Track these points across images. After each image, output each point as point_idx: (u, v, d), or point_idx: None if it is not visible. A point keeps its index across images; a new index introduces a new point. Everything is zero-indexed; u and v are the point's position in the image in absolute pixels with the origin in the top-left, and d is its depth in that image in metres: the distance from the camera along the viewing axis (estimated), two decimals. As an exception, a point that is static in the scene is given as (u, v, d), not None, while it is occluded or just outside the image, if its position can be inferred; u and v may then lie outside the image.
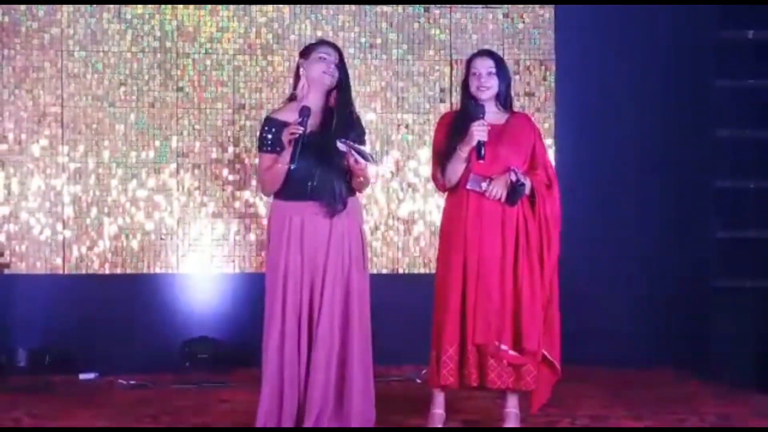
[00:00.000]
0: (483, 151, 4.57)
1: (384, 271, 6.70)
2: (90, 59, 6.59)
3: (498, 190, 4.62)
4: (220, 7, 6.65)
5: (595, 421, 5.04)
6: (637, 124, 6.71)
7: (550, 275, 4.70)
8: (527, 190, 4.65)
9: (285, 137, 4.37)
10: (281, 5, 6.68)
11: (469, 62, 4.77)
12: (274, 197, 4.56)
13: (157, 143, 6.62)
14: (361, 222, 4.64)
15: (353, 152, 4.36)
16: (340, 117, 4.48)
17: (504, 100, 4.77)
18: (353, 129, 4.51)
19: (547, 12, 6.79)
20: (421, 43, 6.77)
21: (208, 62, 6.66)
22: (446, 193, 4.82)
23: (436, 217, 6.76)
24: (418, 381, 6.21)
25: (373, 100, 6.75)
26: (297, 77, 4.57)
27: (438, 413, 4.83)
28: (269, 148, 4.49)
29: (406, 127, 6.77)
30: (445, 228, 4.78)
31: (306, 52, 4.57)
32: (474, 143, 4.58)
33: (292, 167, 4.37)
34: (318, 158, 4.43)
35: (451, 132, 4.70)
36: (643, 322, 6.58)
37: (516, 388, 4.69)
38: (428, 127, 6.77)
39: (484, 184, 4.63)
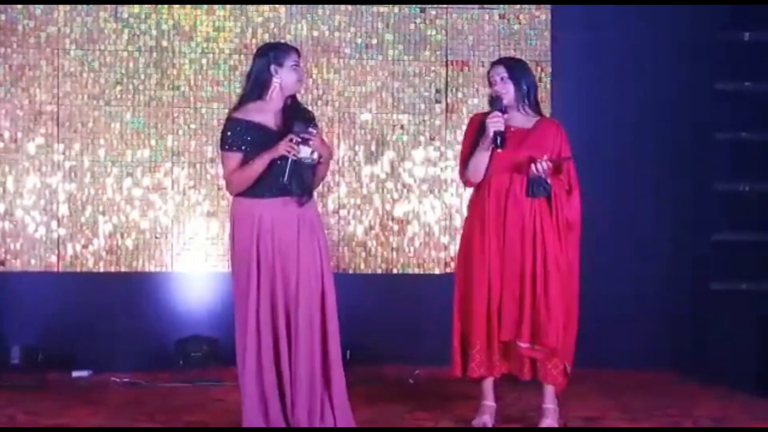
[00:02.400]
0: (500, 141, 4.70)
1: (378, 272, 6.70)
2: (86, 58, 6.59)
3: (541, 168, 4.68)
4: (216, 6, 6.65)
5: (588, 423, 5.04)
6: (633, 125, 6.71)
7: (566, 278, 4.76)
8: (547, 191, 4.72)
9: (281, 148, 4.38)
10: (277, 5, 6.68)
11: (489, 71, 4.94)
12: (240, 195, 4.55)
13: (153, 142, 6.62)
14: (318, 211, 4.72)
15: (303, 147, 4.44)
16: (301, 113, 4.58)
17: (531, 102, 4.85)
18: (313, 124, 4.57)
19: (543, 13, 6.79)
20: (417, 43, 6.77)
21: (204, 61, 6.66)
22: (471, 191, 4.95)
23: (431, 218, 6.77)
24: (411, 381, 6.21)
25: (369, 100, 6.75)
26: (258, 75, 4.54)
27: (488, 405, 4.92)
28: (236, 148, 4.47)
29: (402, 127, 6.77)
30: (468, 225, 4.92)
31: (278, 58, 4.55)
32: (491, 134, 4.70)
33: (281, 181, 4.42)
34: (285, 158, 4.44)
35: (477, 131, 4.83)
36: (642, 325, 6.58)
37: (545, 381, 4.79)
38: (423, 127, 6.77)
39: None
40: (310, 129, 4.45)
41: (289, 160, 4.39)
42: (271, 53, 4.58)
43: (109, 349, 6.37)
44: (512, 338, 4.75)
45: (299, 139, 4.40)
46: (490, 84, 4.88)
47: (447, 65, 6.79)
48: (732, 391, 5.92)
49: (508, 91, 4.81)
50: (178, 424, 4.94)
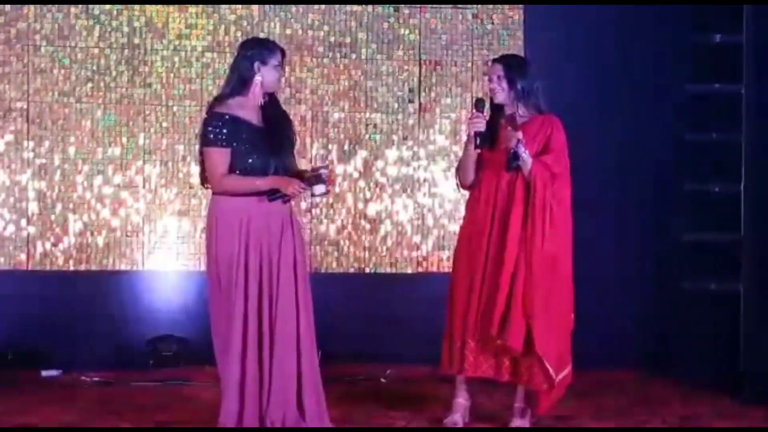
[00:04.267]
0: (478, 141, 4.79)
1: (351, 271, 6.70)
2: (57, 54, 6.54)
3: (503, 137, 4.74)
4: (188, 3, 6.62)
5: (558, 422, 5.07)
6: (604, 126, 6.74)
7: (547, 276, 4.75)
8: (524, 164, 4.72)
9: (291, 190, 4.46)
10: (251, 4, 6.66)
11: (488, 67, 5.07)
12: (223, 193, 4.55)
13: (124, 140, 6.58)
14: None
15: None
16: (280, 112, 4.65)
17: (528, 101, 4.86)
18: (291, 124, 4.68)
19: (516, 13, 6.81)
20: (390, 42, 6.77)
21: (176, 59, 6.63)
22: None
23: (404, 217, 6.77)
24: (383, 380, 6.21)
25: (342, 99, 6.74)
26: (242, 70, 4.55)
27: (460, 402, 4.96)
28: (224, 143, 4.47)
29: (375, 126, 6.77)
30: (462, 225, 5.02)
31: (263, 56, 4.56)
32: (471, 134, 4.81)
33: (269, 199, 4.51)
34: (269, 152, 4.50)
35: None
36: (611, 324, 6.61)
37: (525, 384, 4.81)
38: (396, 126, 6.77)
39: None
40: (324, 170, 4.55)
41: (284, 195, 4.50)
42: (257, 50, 4.60)
43: (79, 348, 6.33)
44: (492, 337, 4.74)
45: (309, 189, 4.52)
46: (489, 81, 4.94)
47: (420, 64, 6.79)
48: (700, 390, 5.96)
49: (503, 90, 4.86)
50: (148, 423, 4.92)
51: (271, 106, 4.62)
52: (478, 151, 4.81)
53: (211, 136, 4.48)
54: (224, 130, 4.46)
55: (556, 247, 4.77)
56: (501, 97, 4.87)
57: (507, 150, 4.73)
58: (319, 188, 4.52)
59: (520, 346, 4.72)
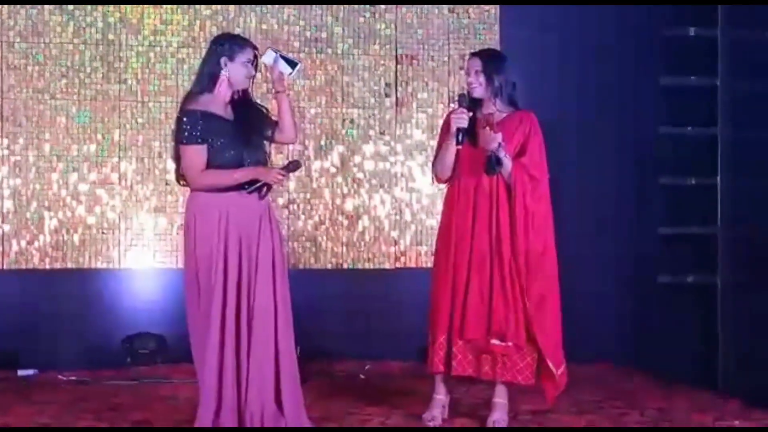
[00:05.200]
0: (461, 138, 4.76)
1: (329, 267, 6.68)
2: (31, 51, 6.49)
3: (481, 139, 4.69)
4: (163, -1, 6.58)
5: (536, 416, 5.08)
6: (580, 120, 6.75)
7: (532, 265, 4.76)
8: (503, 167, 4.72)
9: (271, 179, 4.46)
10: (226, -2, 6.63)
11: (466, 62, 4.99)
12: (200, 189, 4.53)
13: (99, 136, 6.54)
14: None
15: (281, 60, 4.60)
16: (251, 106, 4.62)
17: (504, 97, 4.85)
18: (267, 117, 4.67)
19: (492, 8, 6.81)
20: (366, 37, 6.75)
21: (151, 55, 6.59)
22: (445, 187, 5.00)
23: (381, 212, 6.76)
24: (362, 376, 6.21)
25: (318, 94, 6.72)
26: (208, 67, 4.52)
27: (439, 398, 4.95)
28: (200, 140, 4.44)
29: (351, 121, 6.76)
30: (441, 221, 4.98)
31: (230, 52, 4.52)
32: (453, 130, 4.77)
33: (246, 189, 4.49)
34: (243, 146, 4.50)
35: (447, 128, 4.88)
36: (588, 318, 6.62)
37: (502, 379, 4.81)
38: (373, 121, 6.76)
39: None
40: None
41: (263, 183, 4.47)
42: (226, 45, 4.55)
43: (55, 346, 6.30)
44: (477, 336, 4.75)
45: (288, 176, 4.55)
46: (467, 75, 4.92)
47: (396, 59, 6.78)
48: (677, 383, 5.98)
49: (480, 84, 4.85)
50: (124, 422, 4.90)
51: (241, 100, 4.59)
52: (460, 147, 4.78)
53: (186, 133, 4.45)
54: (198, 127, 4.43)
55: (542, 246, 4.80)
56: (478, 91, 4.86)
57: (486, 153, 4.71)
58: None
59: (523, 343, 4.75)
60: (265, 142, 4.64)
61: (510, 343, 4.76)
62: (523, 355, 4.79)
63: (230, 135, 4.48)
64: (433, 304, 4.90)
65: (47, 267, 6.45)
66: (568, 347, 6.53)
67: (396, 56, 6.79)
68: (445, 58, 6.81)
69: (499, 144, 4.69)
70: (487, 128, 4.69)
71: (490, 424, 4.83)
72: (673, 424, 4.94)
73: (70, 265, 6.47)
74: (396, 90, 6.77)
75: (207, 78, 4.52)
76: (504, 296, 4.76)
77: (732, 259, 6.74)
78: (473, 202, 4.81)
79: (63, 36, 6.51)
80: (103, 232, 6.50)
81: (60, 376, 6.03)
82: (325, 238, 6.71)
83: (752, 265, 6.57)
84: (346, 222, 6.73)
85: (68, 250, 6.48)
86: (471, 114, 4.79)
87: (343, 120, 6.76)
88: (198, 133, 4.44)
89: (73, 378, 6.01)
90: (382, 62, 6.78)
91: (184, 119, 4.46)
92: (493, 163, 4.70)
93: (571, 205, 6.62)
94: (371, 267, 6.73)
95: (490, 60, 4.89)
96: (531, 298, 4.76)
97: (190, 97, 4.53)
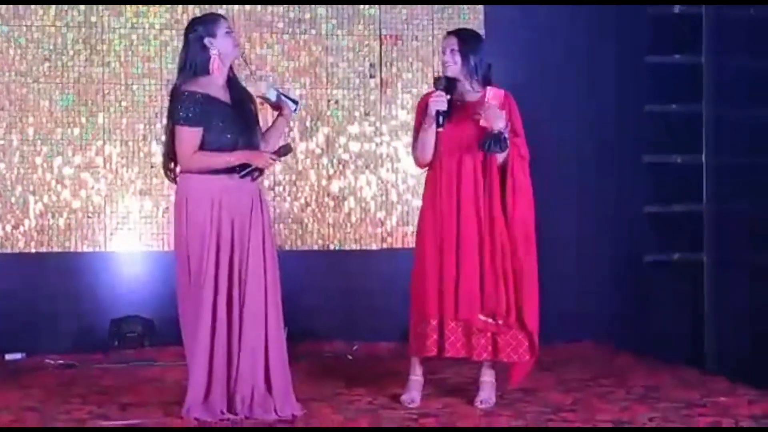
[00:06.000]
0: (441, 120, 4.73)
1: (315, 248, 6.68)
2: (12, 34, 6.44)
3: (489, 116, 4.65)
4: (146, -20, 6.54)
5: (525, 395, 5.09)
6: (566, 99, 6.75)
7: (522, 241, 4.78)
8: (501, 154, 4.72)
9: (261, 162, 4.51)
10: (209, -21, 6.58)
11: (442, 41, 4.96)
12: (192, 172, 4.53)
13: (83, 120, 6.50)
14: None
15: (283, 97, 4.74)
16: (243, 90, 4.65)
17: (480, 77, 4.83)
18: (254, 102, 4.71)
19: (476, -14, 6.80)
20: (350, 17, 6.73)
21: (134, 37, 6.55)
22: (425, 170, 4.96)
23: (367, 193, 6.75)
24: (350, 357, 6.22)
25: (303, 75, 6.70)
26: (195, 53, 4.52)
27: (416, 379, 4.94)
28: (196, 122, 4.45)
29: (336, 102, 6.74)
30: (423, 203, 4.95)
31: (209, 30, 4.52)
32: (432, 113, 4.73)
33: (237, 171, 4.51)
34: (240, 130, 4.53)
35: (424, 111, 4.84)
36: (575, 296, 6.65)
37: (496, 359, 4.83)
38: (358, 102, 6.74)
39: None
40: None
41: (255, 167, 4.51)
42: (201, 27, 4.56)
43: (42, 330, 6.29)
44: (471, 316, 4.75)
45: (279, 159, 4.61)
46: (442, 53, 4.89)
47: (380, 39, 6.76)
48: (664, 361, 6.01)
49: (456, 63, 4.82)
50: (112, 405, 4.89)
51: (234, 84, 4.61)
52: (441, 130, 4.76)
53: (182, 114, 4.45)
54: (197, 110, 4.44)
55: (531, 226, 4.83)
56: (453, 70, 4.83)
57: (490, 131, 4.67)
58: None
59: (513, 321, 4.76)
60: (258, 127, 4.66)
61: (501, 322, 4.77)
62: (515, 334, 4.80)
63: (229, 118, 4.50)
64: (420, 287, 4.85)
65: (33, 251, 6.43)
66: (554, 326, 6.58)
67: (380, 36, 6.76)
68: (430, 38, 6.79)
69: (507, 122, 4.69)
70: (493, 106, 4.65)
71: (477, 404, 4.84)
72: (659, 401, 4.96)
73: (55, 249, 6.45)
74: (381, 70, 6.76)
75: (198, 63, 4.52)
76: (495, 275, 4.75)
77: (718, 237, 6.77)
78: (456, 183, 4.79)
79: (45, 19, 6.47)
80: (88, 216, 6.48)
81: (47, 360, 6.01)
82: (311, 219, 6.70)
83: (738, 243, 6.60)
84: (332, 203, 6.72)
85: (54, 234, 6.46)
86: (448, 96, 4.76)
87: (328, 101, 6.74)
88: (195, 116, 4.44)
89: (61, 362, 6.00)
90: (366, 43, 6.76)
91: (183, 101, 4.46)
92: (496, 141, 4.66)
93: (555, 185, 6.64)
94: (358, 248, 6.73)
95: (466, 39, 4.87)
96: (522, 273, 4.77)
97: (187, 79, 4.50)
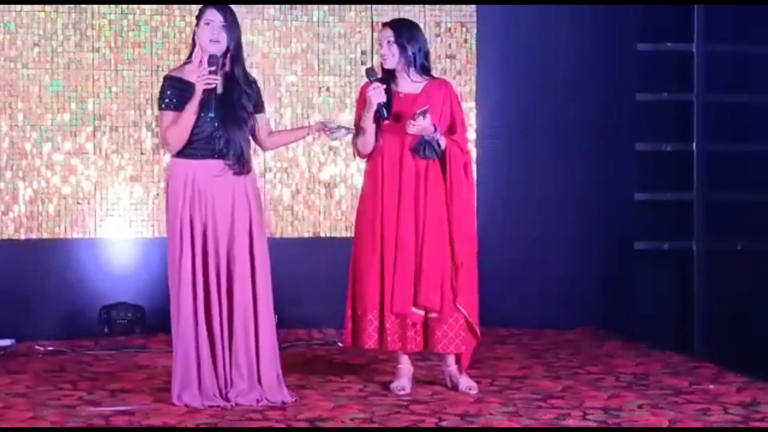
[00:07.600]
0: (386, 112, 4.69)
1: (306, 235, 6.68)
2: (2, 19, 6.41)
3: (418, 126, 4.63)
4: (137, -35, 6.51)
5: (515, 382, 5.10)
6: (558, 86, 6.75)
7: (457, 237, 4.77)
8: (437, 153, 4.72)
9: (198, 84, 4.41)
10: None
11: (378, 34, 4.90)
12: (176, 156, 4.55)
13: (73, 105, 6.48)
14: (257, 186, 4.74)
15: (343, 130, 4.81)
16: (237, 79, 4.58)
17: (418, 67, 4.80)
18: (251, 90, 4.63)
19: (467, -26, 6.78)
20: (342, 4, 6.71)
21: (124, 23, 6.53)
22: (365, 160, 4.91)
23: (358, 181, 6.72)
24: (340, 344, 6.21)
25: (294, 62, 6.68)
26: (194, 42, 4.60)
27: (404, 367, 4.92)
28: (172, 107, 4.50)
29: (328, 89, 6.73)
30: (362, 194, 4.92)
31: (197, 18, 4.56)
32: (374, 106, 4.68)
33: (210, 117, 4.45)
34: (223, 119, 4.52)
35: (365, 103, 4.80)
36: (565, 284, 6.66)
37: (445, 351, 4.82)
38: (350, 89, 6.73)
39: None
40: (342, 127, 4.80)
41: (210, 94, 4.41)
42: (197, 14, 4.59)
43: (32, 317, 6.28)
44: (405, 310, 4.75)
45: (212, 69, 4.43)
46: (379, 46, 4.85)
47: (372, 26, 6.74)
48: (653, 348, 6.03)
49: (394, 54, 4.78)
50: (102, 391, 4.89)
51: (232, 67, 4.57)
52: (388, 121, 4.71)
53: (160, 99, 4.55)
54: (171, 94, 4.50)
55: (470, 221, 4.82)
56: (391, 62, 4.79)
57: (420, 139, 4.66)
58: (340, 132, 4.77)
59: (447, 311, 4.75)
60: (248, 117, 4.61)
61: (434, 315, 4.76)
62: (452, 325, 4.78)
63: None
64: (359, 279, 4.85)
65: (23, 237, 6.42)
66: (545, 313, 6.61)
67: (372, 23, 6.75)
68: (421, 25, 6.75)
69: (435, 128, 4.66)
70: (422, 117, 4.61)
71: (464, 390, 4.83)
72: (648, 388, 4.97)
73: (45, 236, 6.43)
74: (372, 58, 6.74)
75: (192, 49, 4.60)
76: (431, 269, 4.73)
77: (708, 225, 6.80)
78: (398, 174, 4.76)
79: (35, 4, 6.43)
80: (78, 202, 6.47)
81: (37, 347, 6.00)
82: (302, 206, 6.69)
83: (727, 231, 6.63)
84: (323, 191, 6.71)
85: (44, 221, 6.44)
86: (385, 86, 4.73)
87: (320, 88, 6.72)
88: (169, 100, 4.50)
89: (51, 348, 5.99)
90: (357, 30, 6.74)
91: (162, 85, 4.55)
92: (434, 149, 4.67)
93: (547, 172, 6.65)
94: (348, 235, 6.70)
95: (402, 29, 4.82)
96: (459, 267, 4.75)
97: (176, 66, 4.63)
